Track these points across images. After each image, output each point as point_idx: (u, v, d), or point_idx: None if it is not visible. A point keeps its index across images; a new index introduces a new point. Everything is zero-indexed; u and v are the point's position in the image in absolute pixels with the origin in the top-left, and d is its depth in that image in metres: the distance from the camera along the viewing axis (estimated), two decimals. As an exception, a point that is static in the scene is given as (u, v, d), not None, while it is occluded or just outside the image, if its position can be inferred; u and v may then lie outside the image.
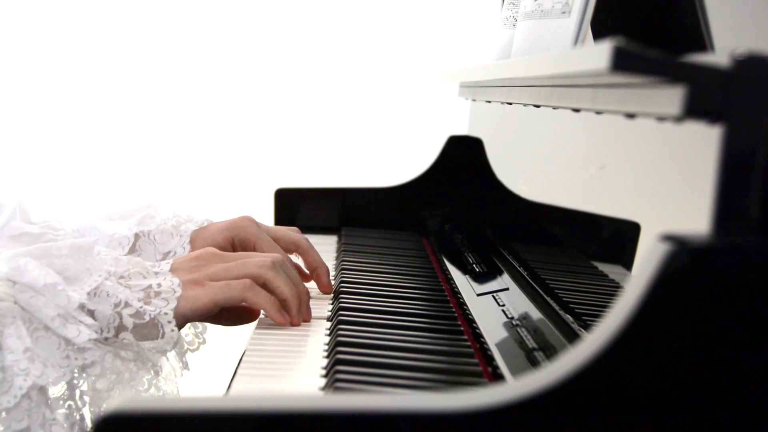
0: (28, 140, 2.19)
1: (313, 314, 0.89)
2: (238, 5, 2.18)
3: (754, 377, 0.51)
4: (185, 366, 0.86)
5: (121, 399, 0.49)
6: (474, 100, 1.39)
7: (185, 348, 0.87)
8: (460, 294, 0.99)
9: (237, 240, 0.95)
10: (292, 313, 0.84)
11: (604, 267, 0.76)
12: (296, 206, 1.40)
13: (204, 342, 0.89)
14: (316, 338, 0.83)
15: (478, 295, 0.97)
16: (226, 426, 0.49)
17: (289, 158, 2.20)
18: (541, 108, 0.94)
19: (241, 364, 0.76)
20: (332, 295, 0.99)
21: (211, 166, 2.22)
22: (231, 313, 0.88)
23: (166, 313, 0.77)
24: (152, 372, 0.79)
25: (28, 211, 0.93)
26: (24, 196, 0.93)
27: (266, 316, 0.86)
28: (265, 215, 1.38)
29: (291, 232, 1.00)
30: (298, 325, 0.86)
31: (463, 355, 0.80)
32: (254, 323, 0.88)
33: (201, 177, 2.22)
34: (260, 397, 0.50)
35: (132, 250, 0.95)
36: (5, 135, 2.18)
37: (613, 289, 0.72)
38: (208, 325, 0.93)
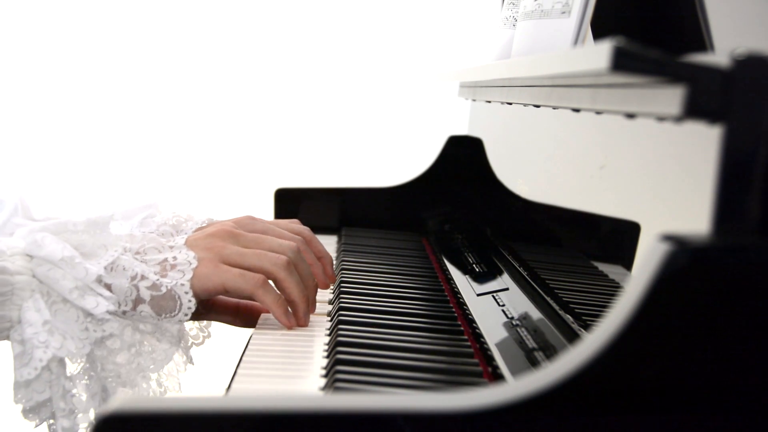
0: (30, 138, 2.19)
1: (313, 315, 0.89)
2: (238, 5, 2.18)
3: (755, 377, 0.51)
4: (189, 360, 0.86)
5: (121, 399, 0.49)
6: (474, 100, 1.39)
7: (190, 342, 0.87)
8: (460, 294, 0.99)
9: None
10: (299, 315, 0.84)
11: (604, 267, 0.76)
12: (296, 206, 1.40)
13: (209, 336, 0.89)
14: (316, 338, 0.83)
15: (478, 295, 0.97)
16: (226, 426, 0.49)
17: (289, 158, 2.21)
18: (541, 108, 0.94)
19: (241, 364, 0.75)
20: (333, 290, 0.99)
21: (212, 166, 2.22)
22: (246, 315, 0.89)
23: (182, 284, 0.77)
24: (170, 343, 0.79)
25: (30, 207, 0.93)
26: (26, 192, 0.93)
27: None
28: (265, 215, 1.38)
29: (293, 224, 0.99)
30: (304, 326, 0.86)
31: (463, 355, 0.80)
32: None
33: (201, 177, 2.22)
34: (260, 397, 0.50)
35: None
36: (7, 132, 2.18)
37: (613, 289, 0.72)
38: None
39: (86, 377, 0.76)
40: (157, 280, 0.76)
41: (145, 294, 0.76)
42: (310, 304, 0.86)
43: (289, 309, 0.84)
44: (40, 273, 0.73)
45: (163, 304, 0.77)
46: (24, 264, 0.73)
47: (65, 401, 0.74)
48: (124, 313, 0.76)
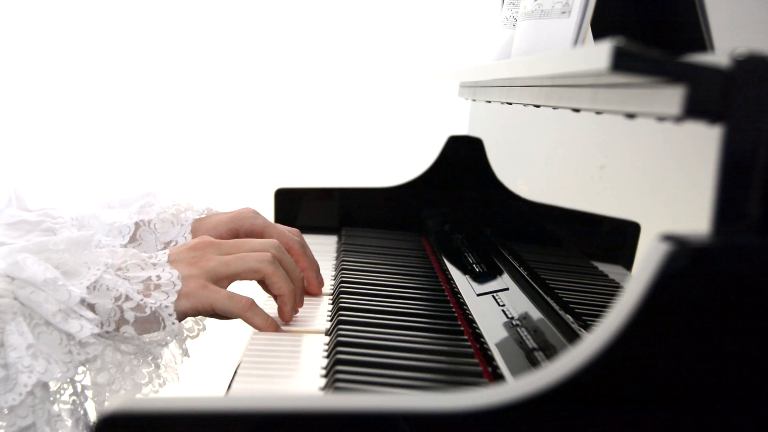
0: (26, 130, 2.19)
1: (312, 314, 0.89)
2: (238, 5, 2.18)
3: (754, 376, 0.51)
4: (185, 353, 0.86)
5: (121, 399, 0.49)
6: (474, 100, 1.39)
7: (185, 335, 0.87)
8: (460, 294, 0.99)
9: (242, 232, 0.94)
10: (286, 310, 0.85)
11: (604, 267, 0.76)
12: (296, 206, 1.40)
13: (204, 329, 0.89)
14: (316, 338, 0.83)
15: (478, 295, 0.97)
16: (226, 426, 0.49)
17: (289, 158, 2.20)
18: (541, 108, 0.94)
19: (241, 364, 0.76)
20: (333, 290, 0.99)
21: (212, 165, 2.22)
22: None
23: (166, 306, 0.76)
24: (152, 365, 0.79)
25: (25, 198, 0.92)
26: (20, 183, 0.93)
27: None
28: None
29: (287, 233, 0.99)
30: (288, 321, 0.86)
31: (463, 355, 0.80)
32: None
33: (201, 177, 2.22)
34: (260, 397, 0.50)
35: (132, 239, 0.95)
36: (3, 123, 2.18)
37: (613, 289, 0.72)
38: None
39: (70, 401, 0.75)
40: (141, 300, 0.76)
41: (129, 315, 0.75)
42: (298, 299, 0.87)
43: (276, 318, 0.85)
44: (22, 296, 0.72)
45: (147, 326, 0.76)
46: (5, 286, 0.72)
47: (50, 426, 0.72)
48: (107, 333, 0.75)
